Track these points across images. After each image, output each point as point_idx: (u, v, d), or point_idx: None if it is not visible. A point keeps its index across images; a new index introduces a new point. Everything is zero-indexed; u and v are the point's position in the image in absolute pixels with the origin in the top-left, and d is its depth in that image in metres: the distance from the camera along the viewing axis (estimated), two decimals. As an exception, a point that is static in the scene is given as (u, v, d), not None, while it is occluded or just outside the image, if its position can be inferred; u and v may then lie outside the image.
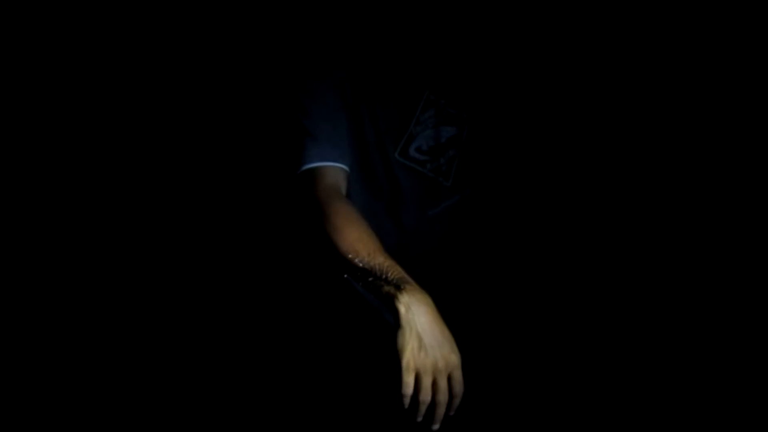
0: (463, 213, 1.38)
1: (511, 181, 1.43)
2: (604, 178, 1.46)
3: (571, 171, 1.47)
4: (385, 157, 1.30)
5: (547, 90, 1.40)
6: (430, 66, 1.29)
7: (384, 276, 0.98)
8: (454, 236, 1.39)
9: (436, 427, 0.97)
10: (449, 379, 0.95)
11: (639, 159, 1.44)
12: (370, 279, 0.99)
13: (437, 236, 1.37)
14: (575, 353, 1.40)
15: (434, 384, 0.94)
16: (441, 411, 0.96)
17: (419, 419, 0.97)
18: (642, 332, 1.40)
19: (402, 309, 0.94)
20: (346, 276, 1.04)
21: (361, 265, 1.02)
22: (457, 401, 0.97)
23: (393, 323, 0.97)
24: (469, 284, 1.39)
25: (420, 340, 0.93)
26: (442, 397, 0.94)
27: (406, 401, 0.95)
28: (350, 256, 1.04)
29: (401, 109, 1.29)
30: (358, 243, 1.05)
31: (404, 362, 0.93)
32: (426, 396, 0.94)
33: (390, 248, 1.22)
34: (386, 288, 0.97)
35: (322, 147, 1.19)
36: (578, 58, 1.43)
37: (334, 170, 1.19)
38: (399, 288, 0.96)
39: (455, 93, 1.31)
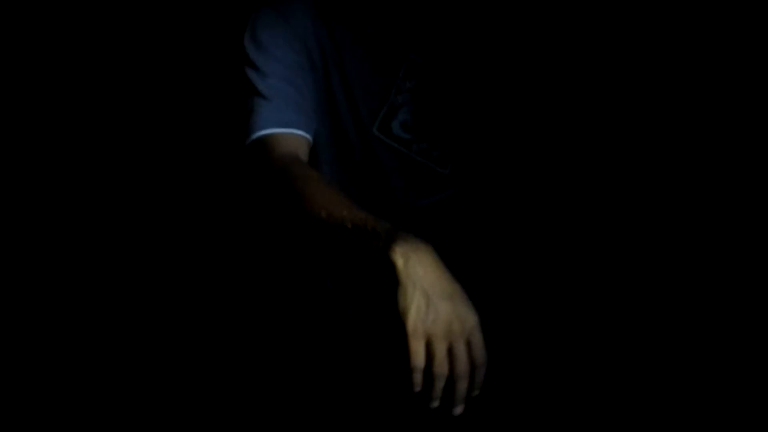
0: (461, 208, 1.17)
1: (518, 173, 1.24)
2: (611, 174, 1.33)
3: (581, 164, 1.32)
4: (361, 132, 1.10)
5: (559, 65, 1.25)
6: (415, 18, 1.09)
7: (369, 230, 0.79)
8: (449, 234, 1.18)
9: (459, 410, 0.76)
10: (467, 345, 0.76)
11: (642, 154, 1.32)
12: (353, 238, 0.80)
13: (427, 232, 1.14)
14: (575, 356, 1.24)
15: (450, 353, 0.75)
16: (463, 387, 0.75)
17: (435, 403, 0.77)
18: (642, 329, 1.28)
19: (400, 261, 0.75)
20: (321, 238, 0.85)
21: (338, 223, 0.83)
22: (480, 373, 0.76)
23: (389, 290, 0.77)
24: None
25: (427, 297, 0.74)
26: (462, 367, 0.74)
27: (417, 378, 0.74)
28: (323, 214, 0.84)
29: (378, 72, 1.08)
30: (330, 201, 0.86)
31: (410, 326, 0.73)
32: (442, 367, 0.74)
33: None
34: (375, 243, 0.78)
35: (278, 110, 0.99)
36: (579, 37, 1.29)
37: (293, 139, 0.98)
38: (391, 237, 0.77)
39: (445, 56, 1.11)
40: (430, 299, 0.74)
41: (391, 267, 0.76)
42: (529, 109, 1.21)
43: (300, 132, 0.99)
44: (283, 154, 0.95)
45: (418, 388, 0.76)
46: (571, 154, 1.31)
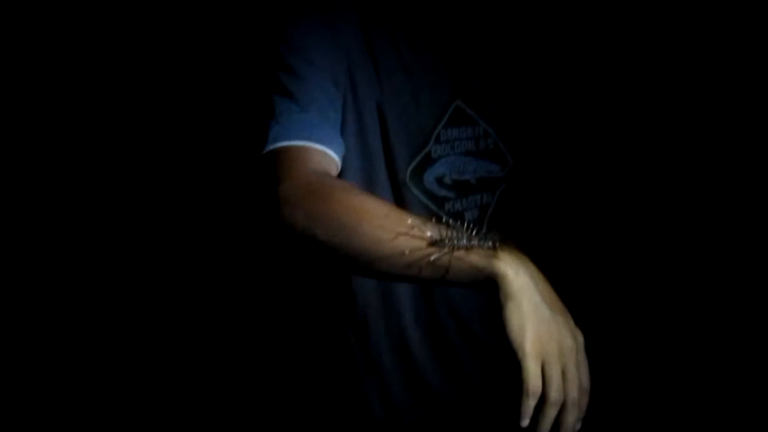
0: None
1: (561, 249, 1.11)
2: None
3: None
4: (393, 175, 0.94)
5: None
6: (469, 59, 0.95)
7: (465, 239, 0.68)
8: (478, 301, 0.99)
9: None
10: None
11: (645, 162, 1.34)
12: (449, 247, 0.68)
13: (451, 297, 0.98)
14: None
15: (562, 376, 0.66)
16: (574, 416, 0.66)
17: None
18: (643, 332, 1.31)
19: (510, 272, 0.66)
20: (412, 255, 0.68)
21: (414, 236, 0.69)
22: (585, 400, 0.68)
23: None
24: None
25: (541, 311, 0.66)
26: (576, 391, 0.66)
27: (529, 407, 0.65)
28: (390, 231, 0.69)
29: (418, 113, 0.93)
30: (401, 212, 0.72)
31: (528, 345, 0.64)
32: (559, 392, 0.65)
33: (383, 302, 0.95)
34: (474, 256, 0.67)
35: (312, 122, 0.83)
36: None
37: (325, 157, 0.83)
38: (494, 246, 0.68)
39: (501, 114, 0.98)
40: (545, 314, 0.66)
41: (498, 279, 0.66)
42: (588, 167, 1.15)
43: (332, 153, 0.84)
44: (316, 169, 0.81)
45: (527, 421, 0.65)
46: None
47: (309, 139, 0.83)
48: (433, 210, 0.96)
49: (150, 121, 1.59)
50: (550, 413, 0.65)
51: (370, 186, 0.94)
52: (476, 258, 0.67)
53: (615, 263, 1.35)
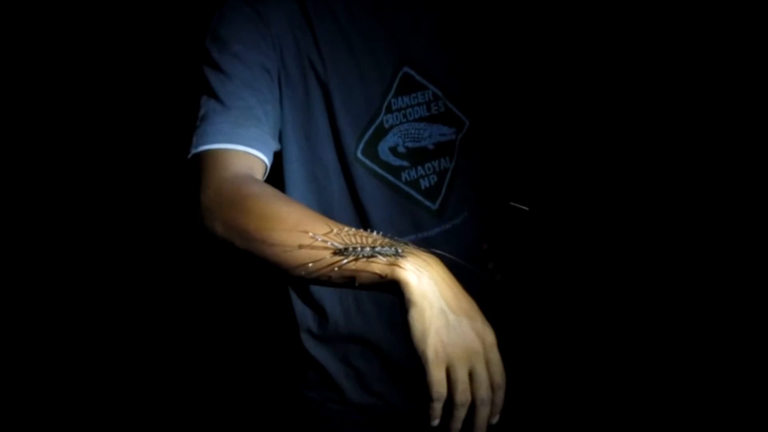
0: (455, 245, 1.00)
1: (523, 205, 1.10)
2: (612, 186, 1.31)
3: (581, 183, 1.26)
4: (341, 155, 0.94)
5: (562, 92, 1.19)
6: (411, 23, 0.95)
7: (368, 247, 0.68)
8: None
9: None
10: (486, 365, 0.68)
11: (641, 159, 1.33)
12: (353, 256, 0.68)
13: None
14: (574, 358, 1.23)
15: (470, 376, 0.67)
16: (485, 413, 0.67)
17: None
18: (642, 332, 1.31)
19: (412, 278, 0.66)
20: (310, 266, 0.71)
21: (320, 246, 0.69)
22: (500, 396, 0.69)
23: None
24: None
25: (445, 316, 0.66)
26: (485, 392, 0.67)
27: (437, 410, 0.66)
28: (298, 237, 0.69)
29: (365, 85, 0.93)
30: (307, 220, 0.72)
31: (430, 352, 0.65)
32: (466, 394, 0.66)
33: (338, 293, 0.95)
34: (377, 264, 0.67)
35: (235, 122, 0.83)
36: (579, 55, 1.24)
37: (248, 158, 0.82)
38: (397, 254, 0.68)
39: (449, 76, 0.97)
40: (449, 318, 0.66)
41: (402, 286, 0.67)
42: (538, 140, 1.14)
43: (257, 152, 0.84)
44: (236, 173, 0.80)
45: (437, 421, 0.67)
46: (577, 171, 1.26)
47: (231, 141, 0.82)
48: (390, 181, 0.96)
49: (145, 122, 1.61)
50: (458, 414, 0.67)
51: (315, 167, 0.94)
52: (378, 266, 0.68)
53: (572, 224, 1.35)
